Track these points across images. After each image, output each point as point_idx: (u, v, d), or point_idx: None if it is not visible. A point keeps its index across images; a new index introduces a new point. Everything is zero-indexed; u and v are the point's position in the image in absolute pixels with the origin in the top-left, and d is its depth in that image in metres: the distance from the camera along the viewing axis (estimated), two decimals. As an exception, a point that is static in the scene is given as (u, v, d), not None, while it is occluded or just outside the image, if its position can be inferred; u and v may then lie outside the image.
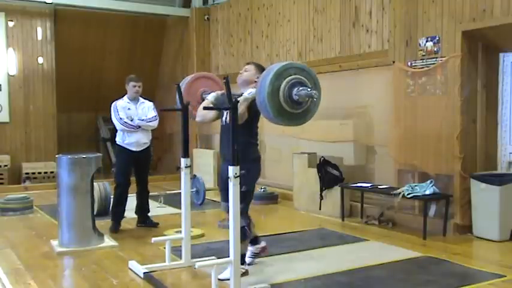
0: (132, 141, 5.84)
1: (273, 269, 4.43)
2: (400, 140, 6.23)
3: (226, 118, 4.23)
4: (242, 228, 3.96)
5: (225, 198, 4.16)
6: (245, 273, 4.12)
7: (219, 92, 4.39)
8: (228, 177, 3.78)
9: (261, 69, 4.27)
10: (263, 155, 8.87)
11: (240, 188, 3.77)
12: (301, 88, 3.47)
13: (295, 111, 3.55)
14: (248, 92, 3.99)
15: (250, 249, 4.50)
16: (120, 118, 5.79)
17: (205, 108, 4.20)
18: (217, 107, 4.22)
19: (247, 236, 4.18)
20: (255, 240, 4.52)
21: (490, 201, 5.34)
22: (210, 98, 4.33)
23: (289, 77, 3.49)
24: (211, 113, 4.37)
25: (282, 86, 3.46)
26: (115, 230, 5.82)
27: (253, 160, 4.20)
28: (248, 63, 4.39)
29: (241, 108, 3.90)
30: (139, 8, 10.52)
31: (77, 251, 5.02)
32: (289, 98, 3.48)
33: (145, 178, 6.08)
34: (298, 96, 3.46)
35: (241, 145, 3.88)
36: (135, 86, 5.93)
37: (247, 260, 4.40)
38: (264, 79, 3.52)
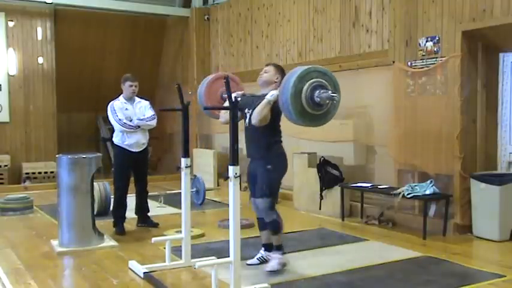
0: (133, 142, 5.80)
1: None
2: (400, 140, 6.23)
3: (247, 120, 4.40)
4: (273, 221, 4.29)
5: (254, 194, 4.44)
6: (285, 264, 4.35)
7: (240, 93, 4.50)
8: (255, 174, 4.26)
9: (280, 70, 4.42)
10: (263, 155, 8.94)
11: (266, 183, 4.19)
12: (322, 91, 3.66)
13: (315, 112, 3.74)
14: (270, 95, 4.14)
15: (261, 253, 4.58)
16: (119, 119, 5.75)
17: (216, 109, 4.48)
18: (239, 108, 4.29)
19: (280, 227, 4.37)
20: (270, 247, 4.52)
21: (490, 201, 5.34)
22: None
23: (311, 80, 3.69)
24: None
25: (305, 88, 3.65)
26: (121, 232, 5.72)
27: (277, 156, 4.37)
28: (267, 65, 4.52)
29: (265, 110, 4.12)
30: (139, 8, 10.52)
31: (77, 251, 5.02)
32: (311, 100, 3.67)
33: (145, 178, 6.05)
34: (319, 98, 3.65)
35: (266, 143, 4.28)
36: (131, 86, 5.87)
37: (253, 261, 4.53)
38: (287, 81, 3.70)
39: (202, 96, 4.70)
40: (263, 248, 4.58)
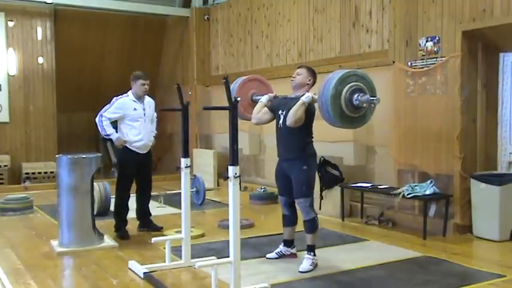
0: (141, 144, 5.62)
1: (273, 269, 4.44)
2: (400, 140, 6.23)
3: (281, 121, 4.47)
4: (312, 219, 4.44)
5: (283, 192, 4.60)
6: (317, 265, 4.43)
7: (271, 95, 4.65)
8: (287, 174, 4.42)
9: (312, 72, 4.52)
10: (263, 155, 8.95)
11: (305, 183, 4.35)
12: (361, 94, 3.87)
13: (353, 115, 3.95)
14: (306, 96, 4.23)
15: (280, 248, 4.74)
16: (106, 117, 5.48)
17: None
18: (271, 109, 4.57)
19: (317, 226, 4.50)
20: (289, 243, 4.74)
21: (490, 201, 5.34)
22: (264, 100, 4.60)
23: (351, 83, 3.89)
24: (267, 116, 4.60)
25: (344, 90, 3.86)
26: (124, 236, 5.54)
27: (310, 156, 4.49)
28: (300, 67, 4.60)
29: (300, 112, 4.20)
30: (139, 8, 10.52)
31: (77, 251, 5.02)
32: (350, 103, 3.88)
33: (149, 181, 5.85)
34: (358, 101, 3.86)
35: (301, 144, 4.40)
36: (144, 85, 5.60)
37: (272, 255, 4.70)
38: (328, 82, 3.88)
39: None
40: (282, 243, 4.75)
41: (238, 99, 3.65)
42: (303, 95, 4.26)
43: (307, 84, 4.46)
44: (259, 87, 4.95)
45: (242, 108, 4.76)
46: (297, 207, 4.56)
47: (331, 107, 3.85)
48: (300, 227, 4.62)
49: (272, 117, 4.59)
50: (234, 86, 4.83)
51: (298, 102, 4.21)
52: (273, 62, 8.68)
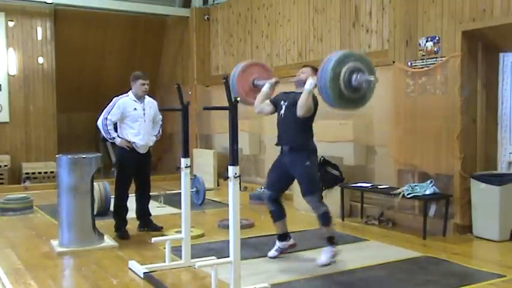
0: (141, 144, 5.62)
1: (273, 269, 4.44)
2: (400, 140, 6.23)
3: (282, 111, 4.53)
4: (325, 213, 4.49)
5: (271, 187, 4.66)
6: (336, 254, 4.57)
7: (272, 81, 4.69)
8: (285, 170, 4.47)
9: (315, 71, 4.50)
10: (263, 155, 8.95)
11: (310, 179, 4.41)
12: (359, 75, 3.87)
13: (353, 95, 3.95)
14: (309, 84, 4.25)
15: (277, 245, 4.77)
16: (109, 119, 5.47)
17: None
18: (273, 102, 4.66)
19: (331, 218, 4.58)
20: (284, 237, 4.78)
21: (490, 201, 5.34)
22: (265, 89, 4.67)
23: (349, 64, 3.89)
24: (269, 108, 4.69)
25: (342, 72, 3.86)
26: (124, 236, 5.54)
27: (312, 150, 4.55)
28: (305, 66, 4.70)
29: (309, 100, 4.25)
30: (139, 8, 10.52)
31: (77, 251, 5.02)
32: (349, 84, 3.88)
33: (148, 181, 5.85)
34: (357, 82, 3.87)
35: (303, 134, 4.44)
36: (143, 85, 5.59)
37: (272, 253, 4.72)
38: (326, 65, 3.90)
39: (234, 81, 4.85)
40: (278, 239, 4.78)
41: (238, 99, 3.67)
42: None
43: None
44: (261, 72, 5.00)
45: (244, 93, 4.84)
46: (307, 204, 4.61)
47: (331, 89, 3.86)
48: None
49: (273, 110, 4.65)
50: (234, 72, 4.89)
51: (303, 93, 4.25)
52: (273, 62, 8.68)
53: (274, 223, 4.78)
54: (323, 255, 4.51)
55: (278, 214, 4.72)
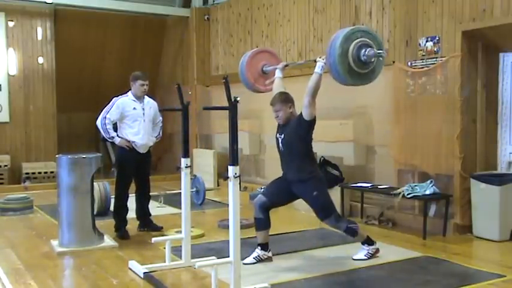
0: (140, 144, 5.61)
1: (273, 269, 4.44)
2: (400, 140, 6.23)
3: (281, 146, 4.54)
4: (348, 229, 4.53)
5: (268, 195, 4.64)
6: (376, 252, 4.68)
7: (281, 66, 4.79)
8: (289, 190, 4.50)
9: (284, 99, 4.56)
10: (263, 155, 8.95)
11: (321, 205, 4.45)
12: (369, 49, 3.89)
13: (362, 71, 3.98)
14: (319, 67, 4.21)
15: (258, 253, 4.63)
16: (108, 118, 5.46)
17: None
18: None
19: (356, 230, 4.58)
20: (266, 247, 4.66)
21: (490, 201, 5.34)
22: (278, 74, 4.78)
23: (357, 40, 3.91)
24: (277, 86, 4.73)
25: (351, 48, 3.89)
26: (124, 236, 5.54)
27: (316, 179, 4.49)
28: (272, 104, 4.60)
29: (318, 82, 4.21)
30: (139, 8, 10.51)
31: (77, 251, 5.02)
32: (358, 59, 3.91)
33: (147, 181, 5.85)
34: (366, 56, 3.89)
35: (306, 168, 4.46)
36: (143, 85, 5.59)
37: (250, 260, 4.56)
38: (334, 42, 3.91)
39: (243, 68, 4.93)
40: (259, 247, 4.63)
41: (238, 99, 3.67)
42: (315, 64, 4.25)
43: (291, 112, 4.47)
44: (269, 58, 5.08)
45: (252, 79, 4.94)
46: (307, 205, 4.60)
47: (340, 66, 3.89)
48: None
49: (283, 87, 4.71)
50: (243, 60, 4.97)
51: (314, 75, 4.22)
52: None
53: (258, 231, 4.63)
54: (360, 252, 4.65)
55: (264, 223, 4.59)
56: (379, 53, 3.90)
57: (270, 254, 4.65)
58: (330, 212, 4.47)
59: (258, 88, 4.97)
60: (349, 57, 3.89)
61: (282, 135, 4.47)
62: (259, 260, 4.58)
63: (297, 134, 4.39)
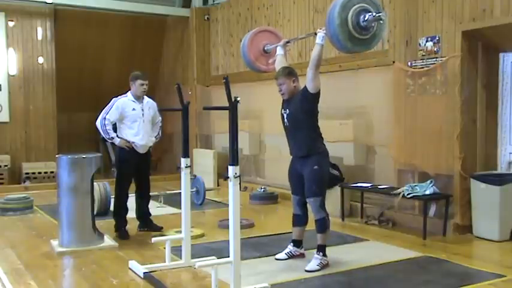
0: (140, 144, 5.61)
1: (273, 269, 4.44)
2: (400, 140, 6.23)
3: (286, 120, 4.51)
4: (322, 218, 4.39)
5: (295, 191, 4.56)
6: (326, 265, 4.41)
7: (282, 43, 4.82)
8: (300, 173, 4.40)
9: (288, 73, 4.54)
10: (263, 155, 8.95)
11: (316, 183, 4.32)
12: (368, 14, 3.86)
13: (363, 37, 3.96)
14: (320, 38, 4.20)
15: (289, 248, 4.69)
16: (107, 119, 5.46)
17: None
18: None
19: (328, 226, 4.45)
20: (298, 243, 4.70)
21: (490, 201, 5.34)
22: (280, 51, 4.80)
23: (354, 6, 3.89)
24: (280, 63, 4.75)
25: (349, 15, 3.87)
26: (124, 236, 5.54)
27: (321, 154, 4.45)
28: (276, 78, 4.59)
29: (320, 54, 4.20)
30: (139, 8, 10.52)
31: (77, 251, 5.02)
32: (358, 25, 3.89)
33: (147, 181, 5.84)
34: (366, 22, 3.87)
35: (309, 139, 4.40)
36: (142, 85, 5.59)
37: (282, 256, 4.64)
38: (331, 12, 3.90)
39: (245, 47, 5.02)
40: (291, 244, 4.71)
41: (239, 99, 3.68)
42: (316, 34, 4.25)
43: (295, 86, 4.46)
44: (270, 37, 5.13)
45: (254, 58, 5.01)
46: (308, 206, 4.53)
47: (341, 35, 3.88)
48: (310, 225, 4.61)
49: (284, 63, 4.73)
50: (244, 40, 5.06)
51: (316, 46, 4.22)
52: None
53: (294, 227, 4.68)
54: (312, 261, 4.39)
55: (301, 220, 4.62)
56: (378, 16, 3.86)
57: (302, 251, 4.71)
58: (320, 193, 4.39)
59: (259, 67, 5.01)
60: (349, 25, 3.88)
61: (287, 110, 4.44)
62: (290, 256, 4.66)
63: (302, 108, 4.37)
